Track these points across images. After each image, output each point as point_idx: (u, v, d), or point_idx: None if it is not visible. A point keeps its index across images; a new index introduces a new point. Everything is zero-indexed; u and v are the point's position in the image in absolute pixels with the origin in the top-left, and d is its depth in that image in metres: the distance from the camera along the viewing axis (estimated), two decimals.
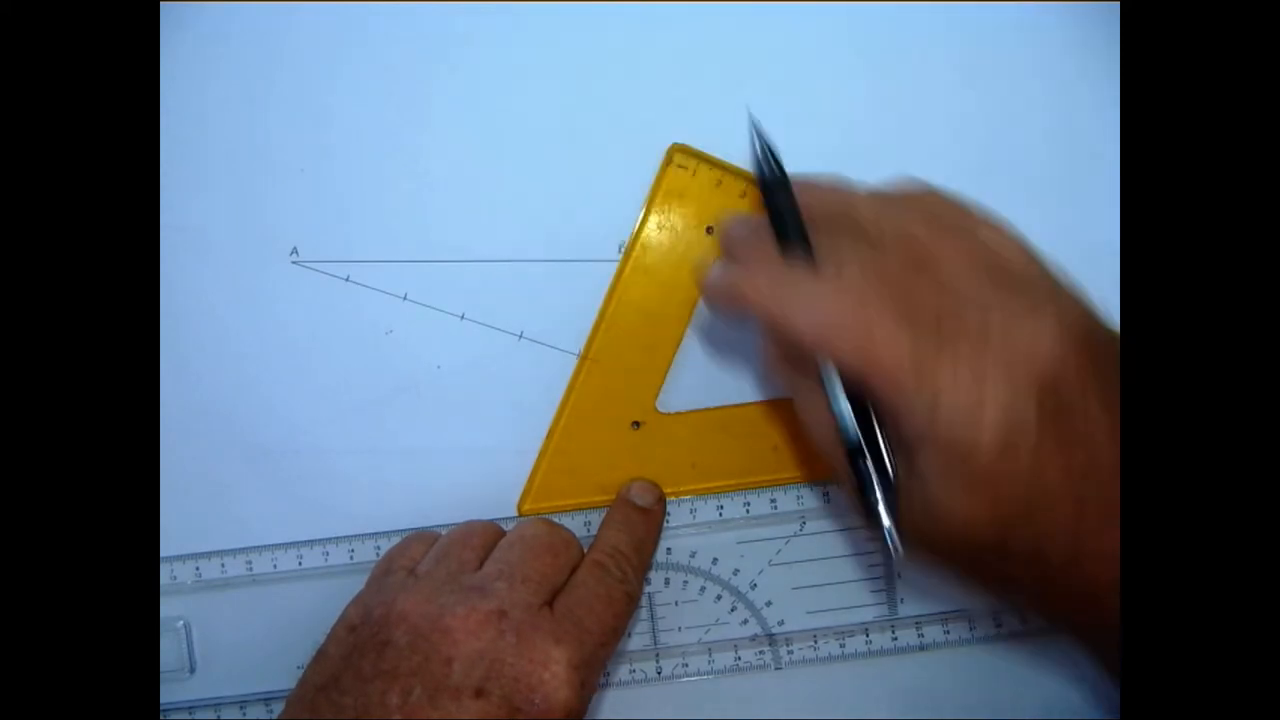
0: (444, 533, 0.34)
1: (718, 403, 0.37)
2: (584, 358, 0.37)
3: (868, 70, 0.37)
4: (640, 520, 0.35)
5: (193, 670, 0.37)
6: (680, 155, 0.37)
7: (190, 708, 0.37)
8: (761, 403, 0.37)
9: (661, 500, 0.36)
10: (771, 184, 0.30)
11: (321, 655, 0.31)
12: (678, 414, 0.37)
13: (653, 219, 0.37)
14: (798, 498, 0.37)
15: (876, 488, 0.27)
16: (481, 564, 0.32)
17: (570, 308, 0.37)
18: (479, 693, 0.28)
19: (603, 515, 0.36)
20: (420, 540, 0.34)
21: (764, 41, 0.37)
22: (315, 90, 0.38)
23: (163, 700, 0.37)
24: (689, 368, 0.37)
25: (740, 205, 0.37)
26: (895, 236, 0.28)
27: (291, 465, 0.37)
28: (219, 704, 0.37)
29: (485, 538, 0.33)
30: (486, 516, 0.36)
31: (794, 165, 0.31)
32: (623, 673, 0.37)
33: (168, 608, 0.37)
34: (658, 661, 0.37)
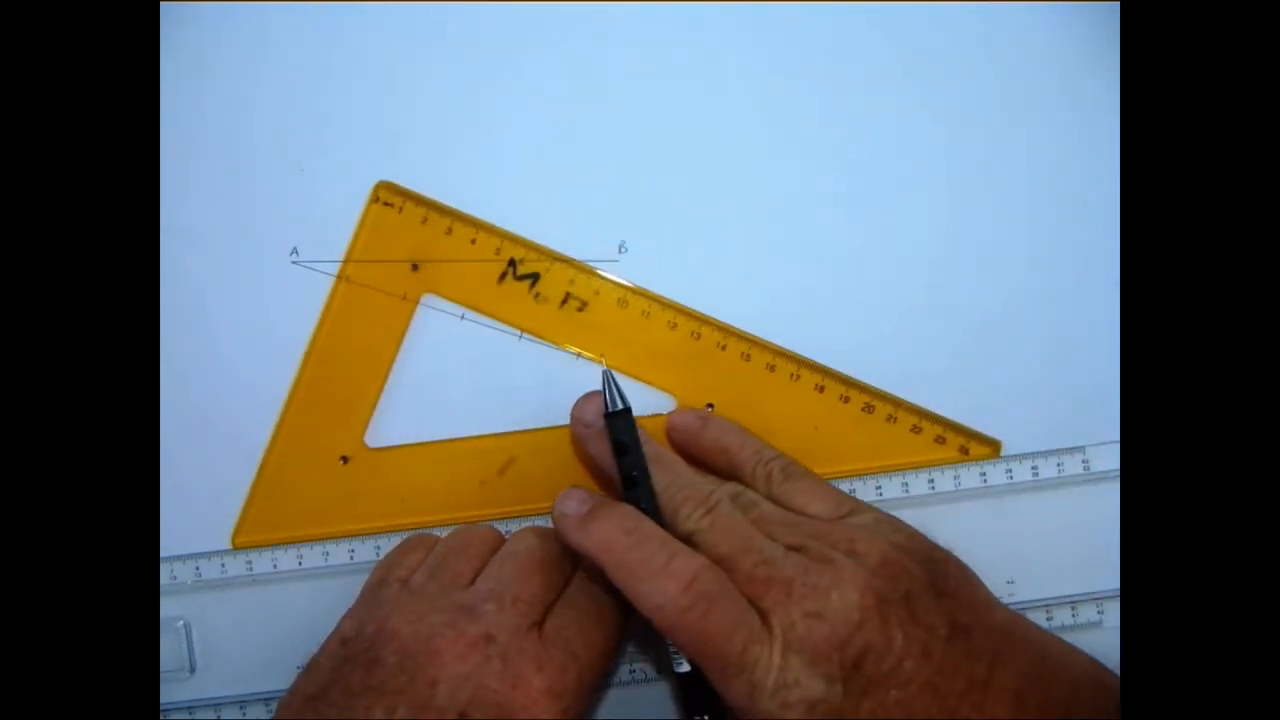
0: (442, 538, 0.34)
1: (428, 438, 0.37)
2: (291, 393, 0.37)
3: (866, 74, 0.37)
4: None
5: (193, 670, 0.37)
6: (385, 192, 0.37)
7: (190, 708, 0.37)
8: (467, 439, 0.37)
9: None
10: (615, 418, 0.32)
11: (313, 665, 0.31)
12: (385, 449, 0.37)
13: (358, 255, 0.37)
14: None
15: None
16: (476, 576, 0.32)
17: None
18: (462, 717, 0.28)
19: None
20: (417, 547, 0.34)
21: (745, 44, 0.37)
22: (315, 90, 0.38)
23: (163, 700, 0.37)
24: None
25: (446, 242, 0.37)
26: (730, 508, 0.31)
27: None
28: (219, 704, 0.37)
29: (482, 547, 0.33)
30: (483, 514, 0.36)
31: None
32: (623, 673, 0.37)
33: (168, 608, 0.37)
34: (658, 661, 0.37)
